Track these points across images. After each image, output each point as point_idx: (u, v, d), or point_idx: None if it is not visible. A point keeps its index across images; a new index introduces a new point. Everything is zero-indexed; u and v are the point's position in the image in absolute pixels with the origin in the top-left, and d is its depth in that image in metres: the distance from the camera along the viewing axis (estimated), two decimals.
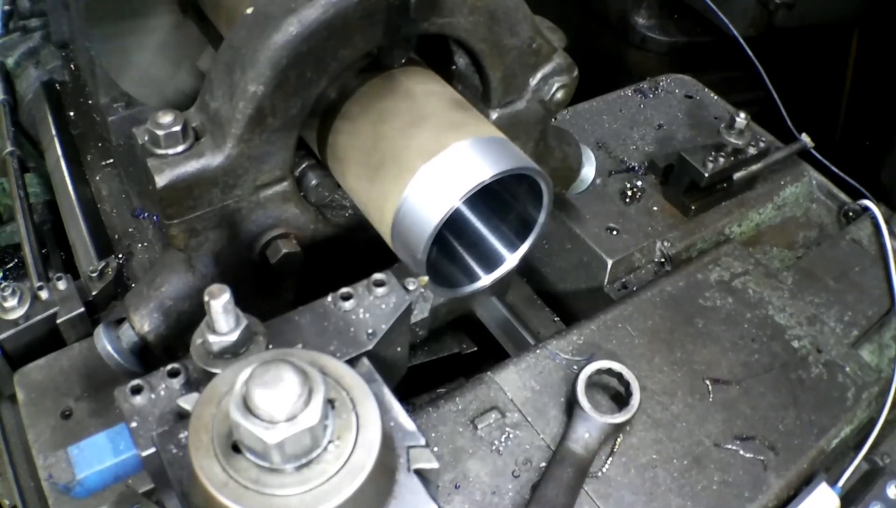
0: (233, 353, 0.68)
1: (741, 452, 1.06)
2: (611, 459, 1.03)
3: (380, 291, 0.78)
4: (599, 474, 1.02)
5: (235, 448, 0.58)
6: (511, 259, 1.06)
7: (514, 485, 0.99)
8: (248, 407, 0.55)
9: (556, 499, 0.96)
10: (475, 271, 1.07)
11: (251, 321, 0.70)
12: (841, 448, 1.17)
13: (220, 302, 0.65)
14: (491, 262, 1.07)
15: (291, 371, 0.55)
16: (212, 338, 0.67)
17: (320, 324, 0.76)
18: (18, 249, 1.63)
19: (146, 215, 1.47)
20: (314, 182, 1.05)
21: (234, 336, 0.67)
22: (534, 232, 1.04)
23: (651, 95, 1.70)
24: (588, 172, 1.33)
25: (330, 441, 0.58)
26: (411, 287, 0.82)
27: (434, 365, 1.44)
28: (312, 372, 0.57)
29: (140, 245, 1.43)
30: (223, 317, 0.66)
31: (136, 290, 1.04)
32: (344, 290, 0.78)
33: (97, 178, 1.57)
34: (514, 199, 1.05)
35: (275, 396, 0.54)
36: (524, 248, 1.06)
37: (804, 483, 1.08)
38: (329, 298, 0.78)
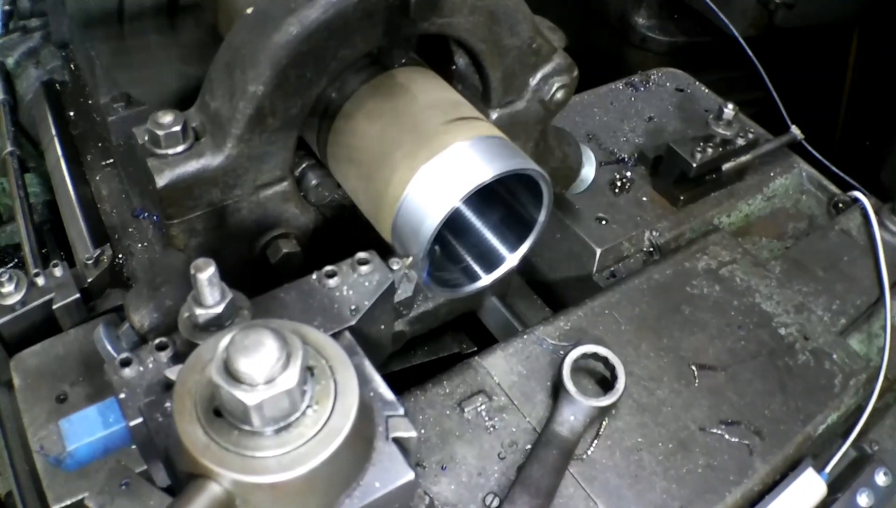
0: (218, 326, 0.70)
1: (727, 437, 1.07)
2: (596, 442, 1.04)
3: (363, 269, 0.80)
4: (584, 456, 1.03)
5: (217, 413, 0.60)
6: (511, 259, 1.07)
7: (500, 467, 1.00)
8: (228, 371, 0.57)
9: (541, 480, 0.97)
10: (475, 271, 1.08)
11: (236, 295, 0.72)
12: (828, 434, 1.17)
13: (205, 275, 0.67)
14: (491, 262, 1.08)
15: (271, 337, 0.57)
16: (198, 311, 0.69)
17: (305, 301, 0.78)
18: (18, 249, 1.62)
19: (146, 215, 1.46)
20: (314, 182, 1.05)
21: (219, 309, 0.69)
22: (534, 232, 1.05)
23: (642, 89, 1.72)
24: (588, 172, 1.34)
25: (308, 407, 0.60)
26: (395, 267, 0.84)
27: (434, 365, 1.45)
28: (291, 338, 0.58)
29: (140, 245, 1.43)
30: (208, 290, 0.68)
31: (136, 290, 1.05)
32: (328, 268, 0.80)
33: (97, 178, 1.58)
34: (514, 199, 1.06)
35: (254, 359, 0.56)
36: (524, 248, 1.06)
37: (790, 469, 1.08)
38: (314, 275, 0.80)
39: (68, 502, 0.89)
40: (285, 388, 0.57)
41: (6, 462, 1.16)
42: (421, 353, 1.44)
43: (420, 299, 1.26)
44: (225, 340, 0.58)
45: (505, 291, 1.43)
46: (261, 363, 0.56)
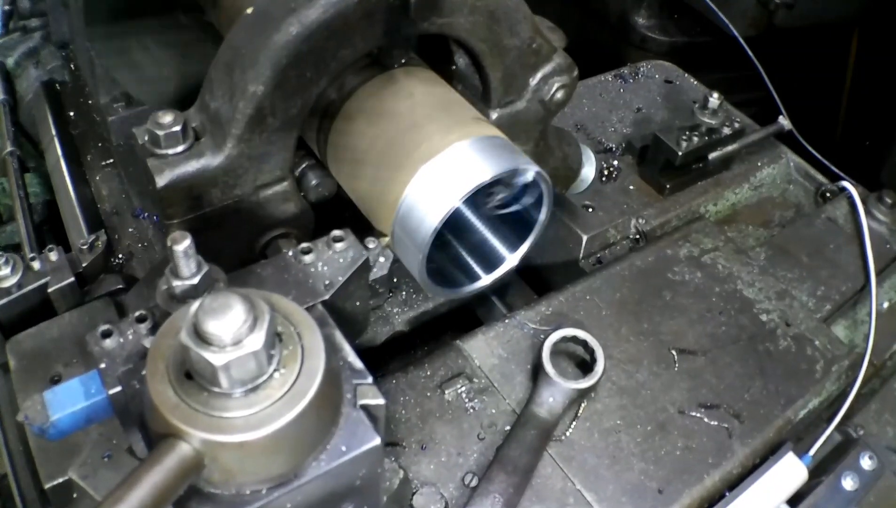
0: (194, 297, 0.72)
1: (706, 419, 1.08)
2: (575, 423, 1.05)
3: (338, 246, 0.83)
4: (563, 437, 1.04)
5: (189, 376, 0.62)
6: (511, 259, 1.08)
7: (479, 447, 1.02)
8: (197, 333, 0.59)
9: (519, 459, 0.99)
10: (475, 270, 1.09)
11: (212, 268, 0.74)
12: (811, 419, 1.18)
13: (181, 247, 0.70)
14: (491, 262, 1.09)
15: (239, 300, 0.59)
16: (175, 282, 0.72)
17: (280, 276, 0.80)
18: (18, 249, 1.61)
19: (146, 215, 1.48)
20: (314, 182, 1.06)
21: (195, 280, 0.72)
22: (534, 232, 1.06)
23: (631, 80, 1.74)
24: (588, 172, 1.35)
25: (276, 370, 0.62)
26: (371, 246, 0.86)
27: None
28: (259, 303, 0.61)
29: (140, 245, 1.44)
30: (184, 262, 0.71)
31: (136, 290, 1.06)
32: (304, 244, 0.83)
33: (97, 178, 1.59)
34: (514, 199, 1.07)
35: (222, 321, 0.58)
36: (524, 248, 1.07)
37: (770, 452, 1.09)
38: (290, 252, 0.83)
39: (60, 480, 0.92)
40: (252, 349, 0.59)
41: (1, 443, 1.19)
42: (421, 353, 1.45)
43: (420, 298, 1.27)
44: (195, 305, 0.60)
45: (504, 290, 1.44)
46: (228, 324, 0.58)
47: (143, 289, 1.05)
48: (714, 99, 1.42)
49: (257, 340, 0.59)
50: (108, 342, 0.74)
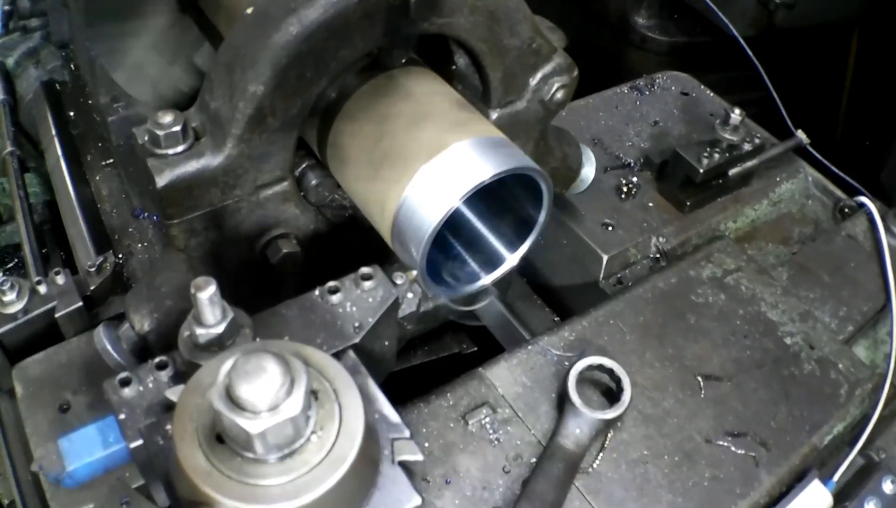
0: (219, 345, 0.69)
1: (732, 448, 1.06)
2: (601, 455, 1.03)
3: (367, 284, 0.79)
4: (590, 469, 1.02)
5: (219, 439, 0.59)
6: (511, 259, 1.07)
7: (505, 480, 1.00)
8: (230, 397, 0.56)
9: (546, 494, 0.96)
10: (475, 271, 1.08)
11: (237, 313, 0.71)
12: (835, 444, 1.17)
13: (206, 294, 0.66)
14: (491, 262, 1.07)
15: (273, 362, 0.56)
16: (198, 330, 0.68)
17: (307, 317, 0.76)
18: (18, 249, 1.63)
19: (146, 215, 1.47)
20: (314, 182, 1.05)
21: (220, 328, 0.68)
22: (534, 232, 1.05)
23: (647, 92, 1.70)
24: (588, 172, 1.33)
25: (313, 432, 0.59)
26: (399, 281, 0.83)
27: (434, 365, 1.44)
28: (294, 362, 0.57)
29: (140, 245, 1.44)
30: (209, 309, 0.67)
31: (136, 290, 1.04)
32: (331, 283, 0.79)
33: (97, 178, 1.58)
34: (514, 199, 1.06)
35: (257, 386, 0.55)
36: (524, 248, 1.06)
37: (796, 480, 1.08)
38: (316, 291, 0.79)
39: None
40: (289, 415, 0.56)
41: (9, 471, 1.16)
42: (421, 353, 1.45)
43: None
44: (226, 365, 0.57)
45: (505, 290, 1.42)
46: (264, 389, 0.55)
47: (143, 289, 1.03)
48: (736, 115, 1.39)
49: (295, 404, 0.56)
50: (127, 391, 0.70)
